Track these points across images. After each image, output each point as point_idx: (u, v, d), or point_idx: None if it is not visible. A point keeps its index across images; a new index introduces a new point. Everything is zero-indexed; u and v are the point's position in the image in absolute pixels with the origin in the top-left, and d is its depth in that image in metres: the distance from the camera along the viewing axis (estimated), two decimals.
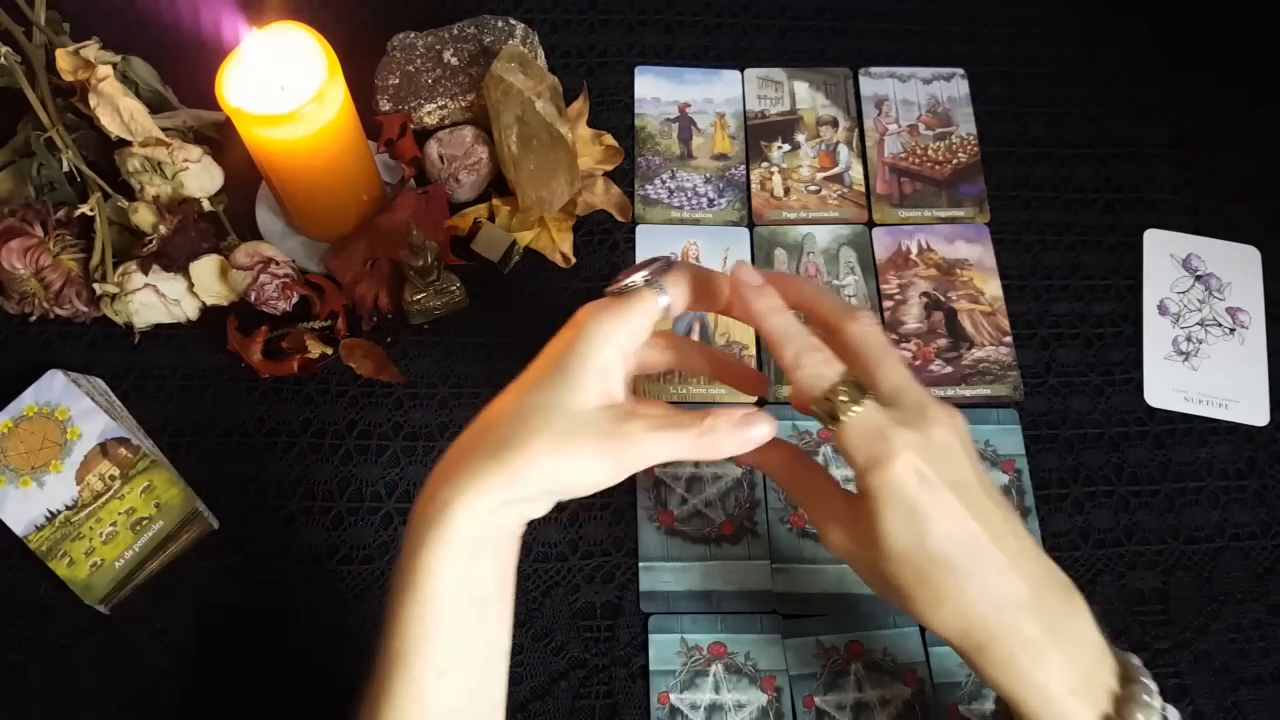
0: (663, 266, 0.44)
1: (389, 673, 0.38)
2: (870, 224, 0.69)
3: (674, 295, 0.44)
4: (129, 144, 0.62)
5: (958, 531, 0.40)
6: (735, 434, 0.41)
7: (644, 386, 0.62)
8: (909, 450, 0.40)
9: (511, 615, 0.42)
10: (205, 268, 0.61)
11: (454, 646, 0.39)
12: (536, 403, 0.40)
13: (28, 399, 0.57)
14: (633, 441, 0.40)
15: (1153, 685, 0.40)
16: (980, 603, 0.40)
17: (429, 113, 0.68)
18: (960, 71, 0.74)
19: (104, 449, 0.56)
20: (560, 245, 0.66)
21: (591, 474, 0.40)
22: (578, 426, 0.40)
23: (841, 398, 0.41)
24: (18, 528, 0.55)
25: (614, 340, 0.41)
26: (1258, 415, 0.63)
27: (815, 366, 0.41)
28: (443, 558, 0.39)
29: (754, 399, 0.58)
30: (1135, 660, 0.41)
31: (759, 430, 0.41)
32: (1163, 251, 0.68)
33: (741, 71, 0.74)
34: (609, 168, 0.69)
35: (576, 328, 0.42)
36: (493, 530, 0.40)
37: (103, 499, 0.56)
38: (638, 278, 0.43)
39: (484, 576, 0.40)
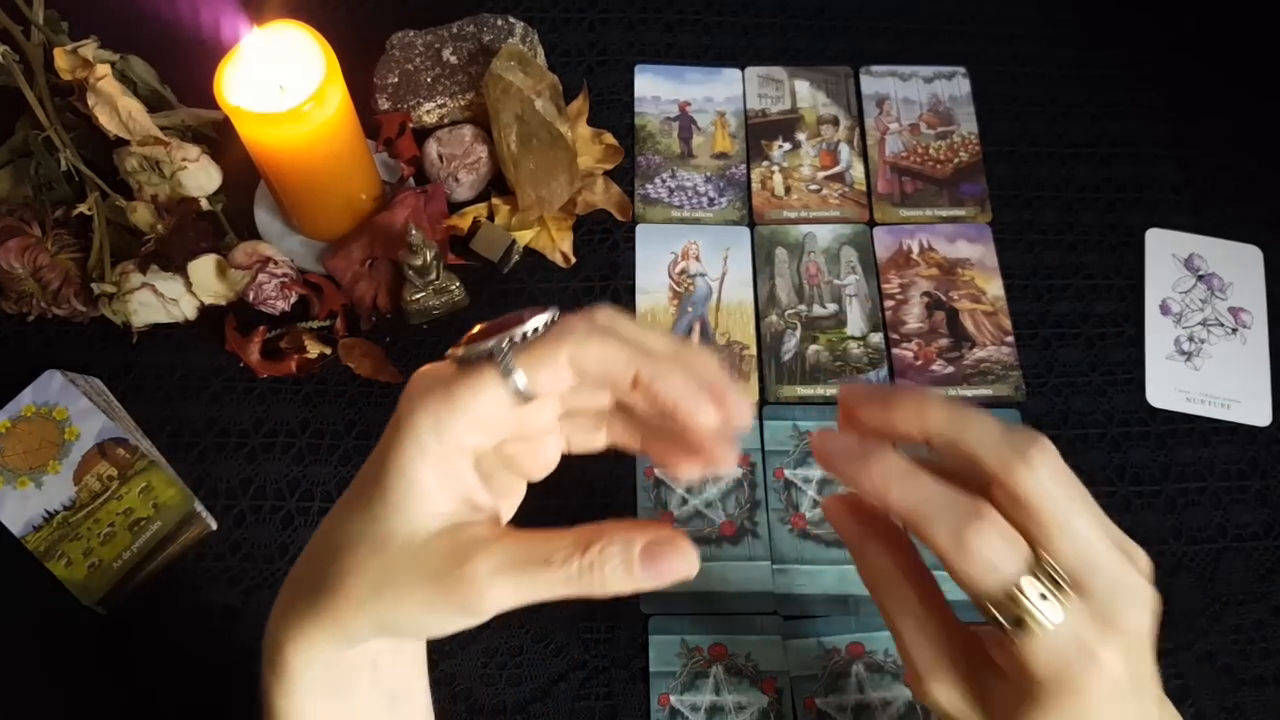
0: (535, 328, 0.31)
1: None
2: (871, 223, 0.68)
3: (537, 377, 0.30)
4: (127, 143, 0.62)
5: None
6: (631, 573, 0.30)
7: None
8: (1111, 664, 0.30)
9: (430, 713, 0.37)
10: (203, 267, 0.61)
11: None
12: (351, 531, 0.31)
13: (25, 399, 0.57)
14: (475, 587, 0.29)
15: None
16: None
17: (428, 111, 0.67)
18: (961, 70, 0.74)
19: (102, 449, 0.56)
20: (560, 245, 0.66)
21: (432, 623, 0.31)
22: (399, 565, 0.30)
23: (1035, 600, 0.29)
24: (15, 528, 0.55)
25: (443, 437, 0.30)
26: (1260, 415, 0.63)
27: (990, 550, 0.30)
28: (291, 702, 0.32)
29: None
30: None
31: (671, 567, 0.31)
32: (1164, 251, 0.68)
33: (742, 70, 0.74)
34: (609, 167, 0.69)
35: (398, 415, 0.31)
36: (357, 663, 0.32)
37: (100, 499, 0.55)
38: (492, 343, 0.30)
39: (364, 707, 0.33)
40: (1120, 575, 0.31)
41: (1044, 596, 0.29)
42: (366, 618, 0.31)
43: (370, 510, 0.31)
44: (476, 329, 0.32)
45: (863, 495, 0.32)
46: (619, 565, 0.30)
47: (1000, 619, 0.30)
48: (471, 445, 0.31)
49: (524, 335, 0.30)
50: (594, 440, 0.36)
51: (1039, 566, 0.30)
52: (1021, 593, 0.29)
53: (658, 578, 0.30)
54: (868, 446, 0.31)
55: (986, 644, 0.32)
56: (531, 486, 0.35)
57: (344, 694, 0.32)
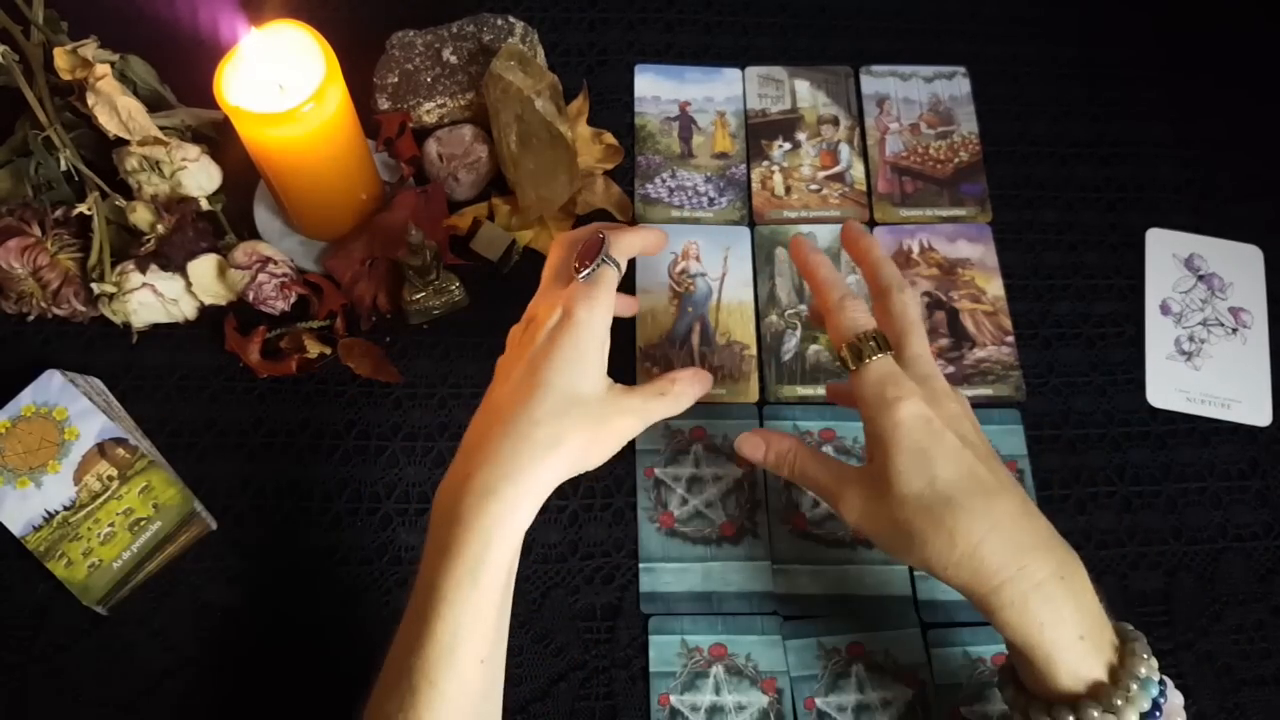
0: (605, 243, 0.49)
1: (434, 664, 0.39)
2: (872, 223, 0.68)
3: (622, 262, 0.50)
4: (127, 143, 0.62)
5: (965, 474, 0.43)
6: (692, 393, 0.50)
7: None
8: (917, 397, 0.45)
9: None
10: (203, 267, 0.61)
11: (494, 635, 0.42)
12: (572, 393, 0.45)
13: (25, 399, 0.57)
14: (641, 415, 0.47)
15: (1148, 647, 0.43)
16: (991, 543, 0.42)
17: (428, 111, 0.67)
18: (962, 70, 0.74)
19: (102, 449, 0.56)
20: None
21: (610, 451, 0.47)
22: (608, 411, 0.46)
23: (870, 343, 0.46)
24: (15, 528, 0.55)
25: (605, 321, 0.47)
26: (1260, 415, 0.63)
27: (854, 313, 0.48)
28: (506, 552, 0.42)
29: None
30: (1130, 628, 0.44)
31: (705, 384, 0.51)
32: (1165, 251, 0.68)
33: (742, 70, 0.74)
34: (609, 166, 0.69)
35: (570, 316, 0.46)
36: (549, 491, 0.44)
37: (100, 499, 0.55)
38: (600, 259, 0.48)
39: (517, 558, 0.43)
40: (935, 372, 0.47)
41: (874, 345, 0.46)
42: (583, 453, 0.45)
43: (581, 380, 0.45)
44: (581, 256, 0.49)
45: (804, 266, 0.51)
46: (688, 388, 0.50)
47: (848, 355, 0.47)
48: (610, 324, 0.48)
49: (607, 244, 0.49)
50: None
51: (879, 332, 0.47)
52: (864, 337, 0.46)
53: (705, 389, 0.51)
54: (820, 254, 0.51)
55: (866, 464, 0.47)
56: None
57: (518, 547, 0.44)
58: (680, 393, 0.49)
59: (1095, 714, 0.41)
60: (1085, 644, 0.41)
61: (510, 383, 0.46)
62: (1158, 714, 0.41)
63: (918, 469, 0.44)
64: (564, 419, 0.44)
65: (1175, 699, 0.43)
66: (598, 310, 0.47)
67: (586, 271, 0.48)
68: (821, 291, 0.50)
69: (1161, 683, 0.42)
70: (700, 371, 0.51)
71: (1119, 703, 0.40)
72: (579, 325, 0.46)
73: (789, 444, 0.50)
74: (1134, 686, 0.41)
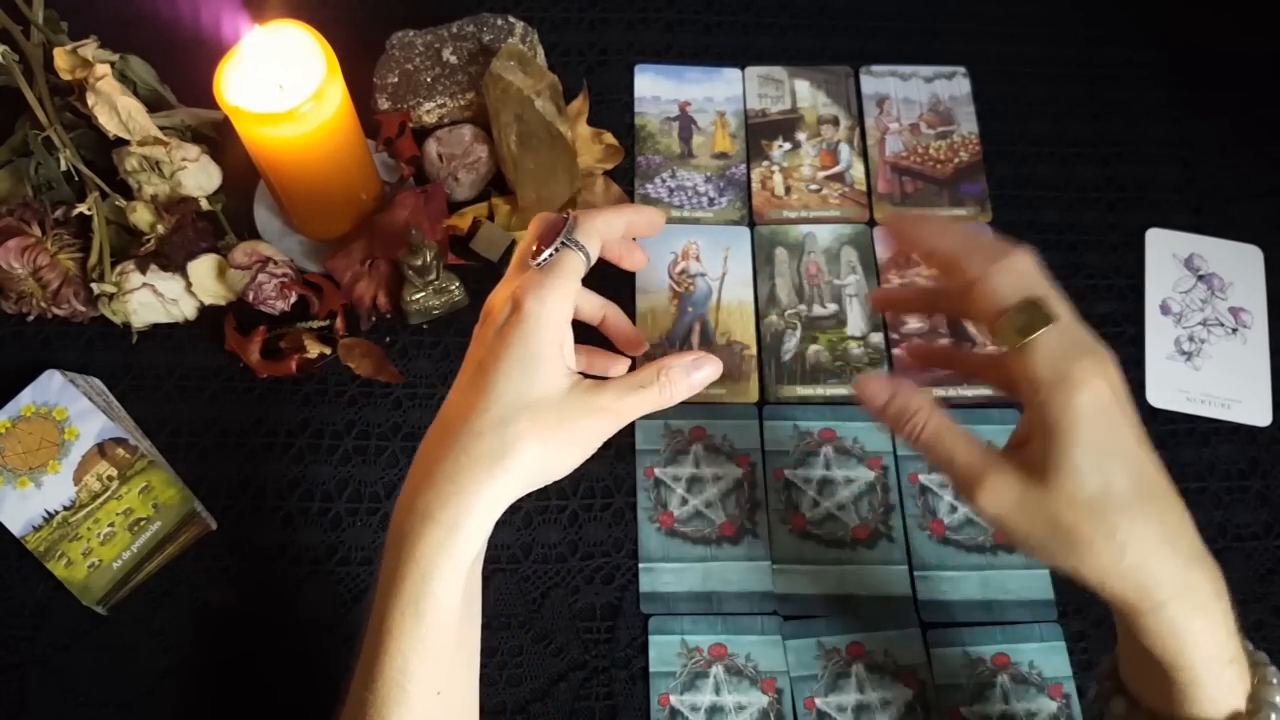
0: (571, 224, 0.44)
1: (384, 700, 0.37)
2: (872, 223, 0.68)
3: (590, 246, 0.44)
4: (127, 143, 0.62)
5: (1143, 475, 0.38)
6: (688, 384, 0.43)
7: None
8: (1100, 379, 0.38)
9: (480, 607, 0.43)
10: (203, 267, 0.61)
11: (450, 664, 0.39)
12: (518, 400, 0.40)
13: (25, 399, 0.57)
14: (613, 413, 0.42)
15: (1275, 670, 0.40)
16: (1163, 555, 0.37)
17: (428, 111, 0.67)
18: (962, 70, 0.74)
19: (101, 449, 0.56)
20: None
21: (578, 457, 0.42)
22: (563, 414, 0.40)
23: (1040, 312, 0.39)
24: (15, 528, 0.55)
25: (561, 314, 0.42)
26: (1260, 415, 0.63)
27: (1013, 275, 0.40)
28: (451, 580, 0.38)
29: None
30: (1255, 650, 0.41)
31: (707, 372, 0.44)
32: (1165, 251, 0.68)
33: (742, 70, 0.73)
34: (609, 166, 0.69)
35: (519, 311, 0.41)
36: (489, 529, 0.40)
37: (100, 499, 0.55)
38: (558, 243, 0.43)
39: (475, 587, 0.41)
40: (1091, 336, 0.40)
41: (1044, 315, 0.39)
42: (538, 466, 0.40)
43: (530, 382, 0.40)
44: (535, 244, 0.44)
45: (920, 241, 0.44)
46: (681, 379, 0.43)
47: (1017, 325, 0.39)
48: (570, 317, 0.43)
49: (572, 225, 0.44)
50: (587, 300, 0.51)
51: (1038, 302, 0.39)
52: (1029, 305, 0.39)
53: (704, 381, 0.44)
54: (922, 218, 0.48)
55: (1023, 445, 0.40)
56: (536, 489, 0.42)
57: (473, 573, 0.40)
58: (670, 383, 0.43)
59: None
60: (1233, 670, 0.38)
61: (457, 390, 0.42)
62: None
63: (1096, 467, 0.37)
64: (510, 427, 0.39)
65: None
66: (549, 301, 0.41)
67: (542, 256, 0.43)
68: (957, 263, 0.42)
69: None
70: (704, 356, 0.44)
71: None
72: (527, 319, 0.41)
73: (920, 403, 0.41)
74: (1273, 716, 0.38)
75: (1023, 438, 0.40)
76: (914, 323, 0.65)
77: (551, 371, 0.41)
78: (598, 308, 0.52)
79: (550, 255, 0.43)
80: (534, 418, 0.40)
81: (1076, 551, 0.38)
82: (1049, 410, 0.38)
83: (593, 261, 0.45)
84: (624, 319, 0.53)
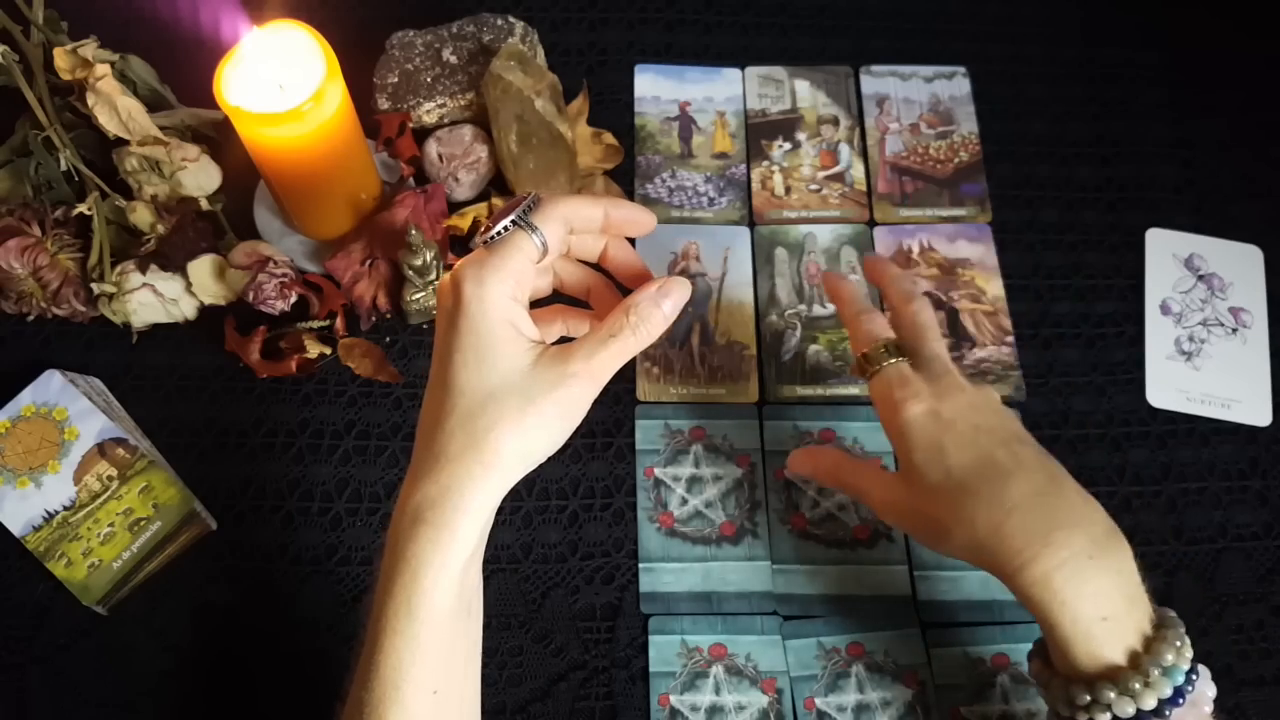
0: (530, 203, 0.41)
1: (380, 699, 0.37)
2: (871, 223, 0.68)
3: (548, 231, 0.41)
4: (127, 143, 0.62)
5: (980, 459, 0.45)
6: (660, 314, 0.41)
7: (644, 386, 0.62)
8: (924, 395, 0.47)
9: (482, 610, 0.42)
10: (203, 267, 0.61)
11: (446, 663, 0.39)
12: (482, 389, 0.39)
13: (25, 399, 0.57)
14: (586, 375, 0.40)
15: (1184, 636, 0.42)
16: (1012, 524, 0.43)
17: (428, 111, 0.67)
18: (962, 70, 0.74)
19: (101, 449, 0.56)
20: None
21: (561, 431, 0.40)
22: (532, 392, 0.39)
23: (881, 350, 0.49)
24: (15, 528, 0.55)
25: (503, 294, 0.40)
26: (1260, 415, 0.63)
27: (870, 324, 0.51)
28: (442, 579, 0.38)
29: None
30: (1172, 613, 0.43)
31: (676, 296, 0.42)
32: (1165, 251, 0.68)
33: (742, 70, 0.73)
34: (609, 166, 0.69)
35: (459, 299, 0.40)
36: (485, 525, 0.40)
37: (100, 499, 0.55)
38: (506, 222, 0.41)
39: (472, 585, 0.40)
40: (949, 369, 0.49)
41: (885, 353, 0.49)
42: (519, 452, 0.39)
43: (488, 368, 0.39)
44: (483, 223, 0.42)
45: (831, 290, 0.55)
46: (652, 312, 0.41)
47: (862, 363, 0.50)
48: (518, 296, 0.41)
49: (527, 208, 0.41)
50: (547, 278, 0.47)
51: (893, 342, 0.49)
52: (877, 347, 0.49)
53: (676, 306, 0.42)
54: (841, 279, 0.55)
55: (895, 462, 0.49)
56: (537, 489, 0.46)
57: (468, 571, 0.39)
58: (641, 321, 0.41)
59: (1111, 695, 0.40)
60: (1107, 625, 0.41)
61: (428, 388, 0.41)
62: (1180, 700, 0.40)
63: (933, 461, 0.45)
64: (478, 420, 0.38)
65: (1206, 689, 0.42)
66: (488, 283, 0.39)
67: (489, 234, 0.41)
68: (842, 306, 0.53)
69: (1192, 671, 0.41)
70: (668, 281, 0.42)
71: (1136, 686, 0.40)
72: (468, 305, 0.39)
73: (832, 458, 0.54)
74: (1155, 672, 0.40)
75: (895, 454, 0.48)
76: None
77: (507, 353, 0.39)
78: (581, 277, 0.48)
79: (498, 234, 0.41)
80: (499, 405, 0.39)
81: (943, 535, 0.45)
82: (889, 428, 0.48)
83: (552, 247, 0.42)
84: (628, 255, 0.47)
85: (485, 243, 0.41)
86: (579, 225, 0.44)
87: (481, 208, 0.67)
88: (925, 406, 0.46)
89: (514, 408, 0.39)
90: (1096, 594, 0.41)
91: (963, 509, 0.44)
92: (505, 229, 0.41)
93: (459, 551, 0.38)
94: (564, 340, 0.43)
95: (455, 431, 0.39)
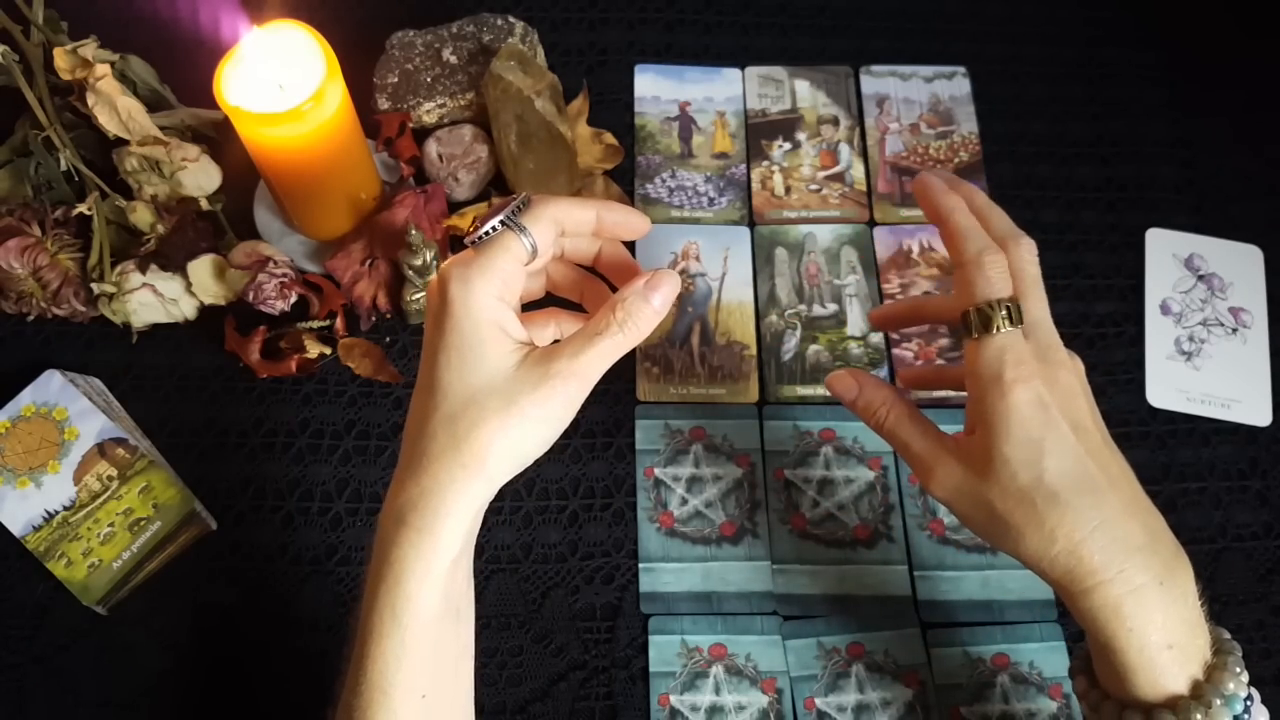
0: (520, 204, 0.41)
1: (368, 704, 0.37)
2: (871, 223, 0.68)
3: (538, 232, 0.41)
4: (127, 143, 0.62)
5: (1075, 468, 0.40)
6: (650, 309, 0.40)
7: (644, 386, 0.62)
8: (1037, 380, 0.41)
9: (474, 611, 0.42)
10: (203, 267, 0.61)
11: (434, 666, 0.39)
12: (465, 390, 0.38)
13: (25, 399, 0.57)
14: (571, 375, 0.39)
15: (1241, 661, 0.40)
16: (1092, 543, 0.39)
17: (428, 111, 0.67)
18: (962, 70, 0.74)
19: (101, 449, 0.56)
20: None
21: (548, 432, 0.39)
22: (514, 393, 0.38)
23: (1002, 313, 0.41)
24: (15, 528, 0.55)
25: (489, 295, 0.39)
26: (1260, 415, 0.63)
27: (995, 271, 0.42)
28: (426, 582, 0.37)
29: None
30: (1226, 634, 0.42)
31: (665, 290, 0.41)
32: (1165, 251, 0.68)
33: (742, 70, 0.73)
34: (609, 166, 0.69)
35: (445, 300, 0.39)
36: (470, 529, 0.39)
37: (100, 499, 0.55)
38: (495, 222, 0.40)
39: (459, 587, 0.40)
40: (1055, 340, 0.43)
41: (1006, 316, 0.41)
42: (505, 453, 0.38)
43: (471, 369, 0.38)
44: (471, 223, 0.41)
45: (937, 211, 0.45)
46: (641, 308, 0.40)
47: (975, 322, 0.42)
48: (506, 298, 0.40)
49: (517, 209, 0.41)
50: (539, 281, 0.47)
51: (1015, 300, 0.42)
52: (998, 304, 0.41)
53: (665, 301, 0.40)
54: (951, 192, 0.45)
55: (967, 436, 0.43)
56: (537, 489, 0.45)
57: (454, 574, 0.39)
58: (629, 318, 0.40)
59: None
60: (1172, 654, 0.39)
61: (415, 389, 0.41)
62: None
63: (1027, 461, 0.40)
64: (460, 422, 0.38)
65: (1260, 716, 0.41)
66: (474, 283, 0.39)
67: (476, 234, 0.40)
68: (956, 241, 0.43)
69: (1248, 699, 0.40)
70: (658, 274, 0.41)
71: (1198, 716, 0.38)
72: (453, 306, 0.39)
73: (885, 394, 0.45)
74: (1216, 701, 0.38)
75: (970, 427, 0.43)
76: None
77: (492, 354, 0.39)
78: (575, 279, 0.48)
79: (485, 234, 0.40)
80: (481, 406, 0.38)
81: (1011, 537, 0.41)
82: (985, 406, 0.41)
83: (541, 249, 0.41)
84: (622, 258, 0.47)
85: (473, 243, 0.40)
86: (570, 228, 0.43)
87: (481, 208, 0.67)
88: (1034, 394, 0.40)
89: (496, 409, 0.38)
90: (1164, 622, 0.39)
91: (1046, 518, 0.40)
92: (493, 229, 0.40)
93: (442, 555, 0.38)
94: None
95: (437, 433, 0.38)
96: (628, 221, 0.44)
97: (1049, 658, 0.55)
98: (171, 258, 0.60)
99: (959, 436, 0.43)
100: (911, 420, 0.45)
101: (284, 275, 0.61)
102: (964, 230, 0.43)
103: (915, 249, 0.67)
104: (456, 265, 0.40)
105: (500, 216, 0.40)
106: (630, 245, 0.66)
